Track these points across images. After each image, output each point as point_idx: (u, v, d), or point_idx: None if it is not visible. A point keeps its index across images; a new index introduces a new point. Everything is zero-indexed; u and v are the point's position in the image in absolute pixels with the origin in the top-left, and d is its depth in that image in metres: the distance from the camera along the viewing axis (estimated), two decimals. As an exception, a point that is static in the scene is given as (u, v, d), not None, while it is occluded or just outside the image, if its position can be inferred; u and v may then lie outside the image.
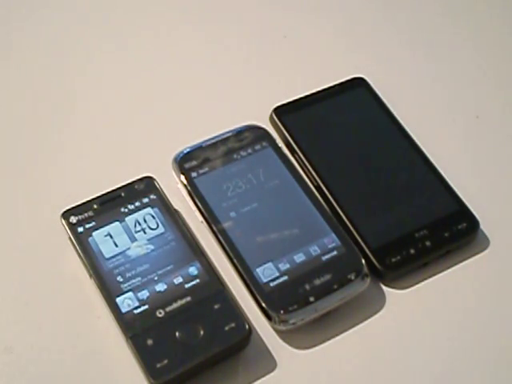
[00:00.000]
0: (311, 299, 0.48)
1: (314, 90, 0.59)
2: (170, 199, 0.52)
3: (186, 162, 0.54)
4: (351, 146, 0.57)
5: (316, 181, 0.55)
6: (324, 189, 0.54)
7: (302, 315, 0.48)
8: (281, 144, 0.56)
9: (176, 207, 0.53)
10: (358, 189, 0.55)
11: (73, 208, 0.51)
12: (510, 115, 0.62)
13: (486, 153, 0.59)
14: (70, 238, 0.50)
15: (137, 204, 0.52)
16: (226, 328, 0.47)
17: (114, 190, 0.52)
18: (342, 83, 0.60)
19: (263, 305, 0.48)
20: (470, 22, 0.68)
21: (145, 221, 0.51)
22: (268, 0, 0.68)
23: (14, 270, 0.51)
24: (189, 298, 0.48)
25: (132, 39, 0.65)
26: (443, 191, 0.55)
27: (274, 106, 0.58)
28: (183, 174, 0.53)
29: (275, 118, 0.58)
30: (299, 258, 0.50)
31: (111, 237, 0.50)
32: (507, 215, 0.56)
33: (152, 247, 0.50)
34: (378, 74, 0.61)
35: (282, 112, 0.58)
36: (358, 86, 0.60)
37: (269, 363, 0.48)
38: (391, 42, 0.66)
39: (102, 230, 0.50)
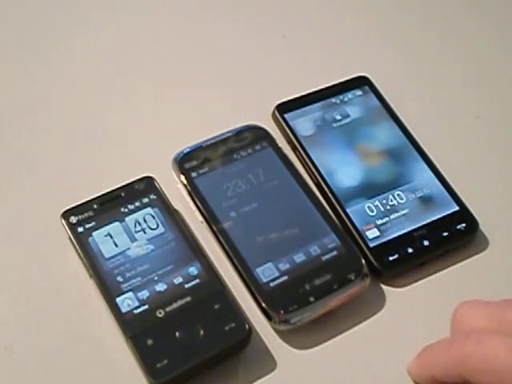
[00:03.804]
0: (311, 299, 0.48)
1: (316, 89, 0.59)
2: (170, 199, 0.52)
3: (186, 162, 0.54)
4: (353, 144, 0.57)
5: (316, 177, 0.55)
6: (324, 186, 0.54)
7: (301, 315, 0.48)
8: (281, 144, 0.56)
9: (176, 207, 0.53)
10: (358, 186, 0.55)
11: (73, 208, 0.51)
12: (510, 115, 0.62)
13: (486, 153, 0.59)
14: (70, 238, 0.50)
15: (137, 204, 0.52)
16: (226, 328, 0.47)
17: (113, 190, 0.52)
18: (345, 81, 0.60)
19: (263, 305, 0.48)
20: (471, 23, 0.68)
21: (145, 221, 0.51)
22: (268, 0, 0.69)
23: (13, 270, 0.51)
24: (189, 298, 0.48)
25: (132, 38, 0.65)
26: (443, 191, 0.55)
27: (277, 103, 0.58)
28: (183, 174, 0.53)
29: (277, 114, 0.58)
30: (299, 258, 0.50)
31: (111, 237, 0.50)
32: (507, 216, 0.56)
33: (152, 247, 0.50)
34: (380, 73, 0.61)
35: (285, 108, 0.58)
36: (361, 85, 0.60)
37: (269, 363, 0.48)
38: (394, 41, 0.66)
39: (102, 229, 0.50)
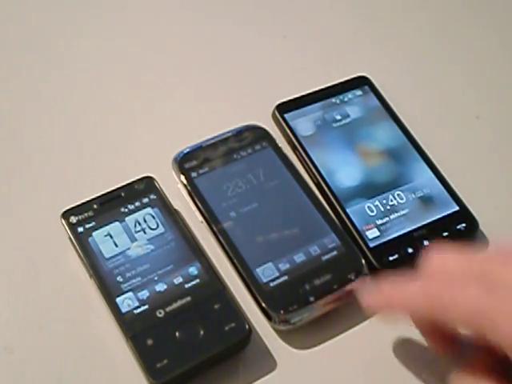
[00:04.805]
0: (311, 299, 0.48)
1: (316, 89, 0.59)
2: (170, 199, 0.52)
3: (185, 162, 0.54)
4: (353, 144, 0.57)
5: (316, 177, 0.55)
6: (324, 186, 0.54)
7: (301, 315, 0.48)
8: (281, 144, 0.56)
9: (176, 207, 0.53)
10: (358, 186, 0.55)
11: (73, 208, 0.51)
12: (510, 115, 0.62)
13: (486, 153, 0.59)
14: (70, 238, 0.50)
15: (137, 204, 0.52)
16: (226, 328, 0.47)
17: (113, 190, 0.52)
18: (345, 81, 0.60)
19: (263, 305, 0.48)
20: (471, 23, 0.68)
21: (145, 221, 0.51)
22: (268, 0, 0.69)
23: (13, 270, 0.51)
24: (189, 298, 0.48)
25: (132, 39, 0.65)
26: (443, 191, 0.55)
27: (277, 103, 0.58)
28: (183, 174, 0.53)
29: (277, 114, 0.58)
30: (299, 258, 0.50)
31: (111, 237, 0.50)
32: (507, 216, 0.55)
33: (152, 247, 0.50)
34: (380, 74, 0.61)
35: (285, 108, 0.58)
36: (361, 85, 0.60)
37: (269, 363, 0.48)
38: (394, 41, 0.66)
39: (102, 229, 0.50)
